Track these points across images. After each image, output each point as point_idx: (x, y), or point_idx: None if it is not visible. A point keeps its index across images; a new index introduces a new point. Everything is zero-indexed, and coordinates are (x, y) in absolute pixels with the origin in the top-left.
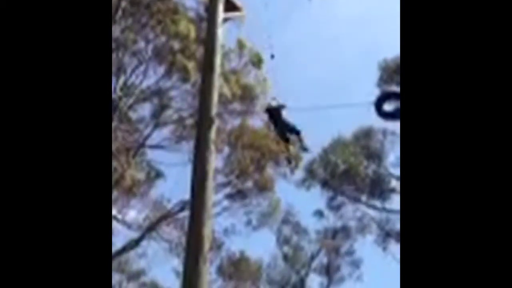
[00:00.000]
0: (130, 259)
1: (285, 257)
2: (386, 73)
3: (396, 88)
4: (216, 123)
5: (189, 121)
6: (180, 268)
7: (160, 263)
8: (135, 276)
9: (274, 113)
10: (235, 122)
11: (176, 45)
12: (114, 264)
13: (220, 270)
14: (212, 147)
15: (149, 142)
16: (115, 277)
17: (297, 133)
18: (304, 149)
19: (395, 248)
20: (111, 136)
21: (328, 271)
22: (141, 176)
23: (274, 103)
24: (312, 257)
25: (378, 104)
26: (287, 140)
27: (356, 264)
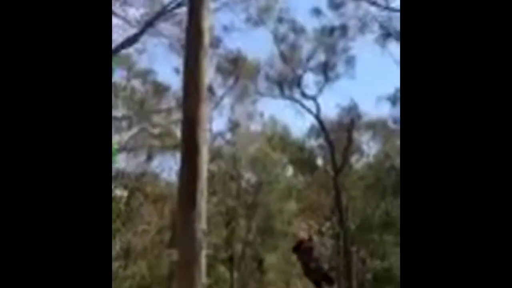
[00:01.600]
0: (133, 57)
1: (282, 55)
2: None
3: None
4: None
5: None
6: (181, 68)
7: (161, 63)
8: (139, 74)
9: (304, 251)
10: None
11: None
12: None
13: (219, 68)
14: None
15: None
16: (119, 73)
17: (330, 283)
18: None
19: (394, 48)
20: None
21: (325, 70)
22: None
23: (303, 235)
24: (309, 56)
25: None
26: (318, 284)
27: (351, 63)
